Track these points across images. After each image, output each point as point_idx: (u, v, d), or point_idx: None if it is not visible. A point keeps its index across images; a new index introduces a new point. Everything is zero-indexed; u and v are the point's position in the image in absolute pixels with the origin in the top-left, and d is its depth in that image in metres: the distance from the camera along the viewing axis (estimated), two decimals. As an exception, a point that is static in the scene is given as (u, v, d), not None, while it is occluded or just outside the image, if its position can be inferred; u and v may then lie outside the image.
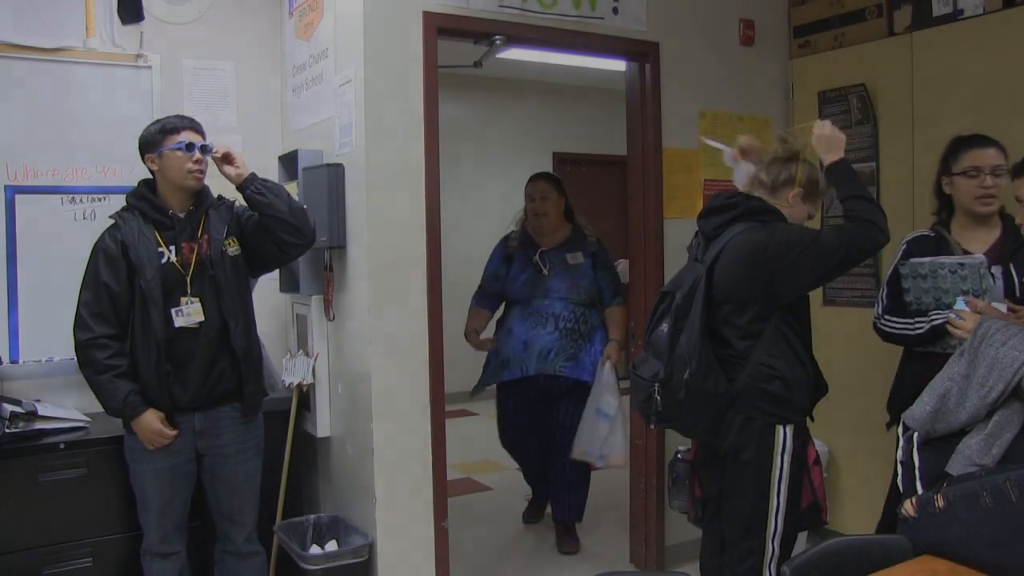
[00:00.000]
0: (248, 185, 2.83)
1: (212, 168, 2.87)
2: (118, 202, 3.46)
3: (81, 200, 3.47)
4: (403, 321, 3.23)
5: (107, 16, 3.50)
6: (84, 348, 2.73)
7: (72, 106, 3.46)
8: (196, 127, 2.85)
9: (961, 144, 2.84)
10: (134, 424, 2.74)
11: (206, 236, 2.85)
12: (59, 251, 3.39)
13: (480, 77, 5.69)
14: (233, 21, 3.81)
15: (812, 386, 2.68)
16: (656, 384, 2.57)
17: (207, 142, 2.84)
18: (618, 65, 4.07)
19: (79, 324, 2.74)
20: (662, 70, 3.84)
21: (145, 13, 3.48)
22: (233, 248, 2.90)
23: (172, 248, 2.80)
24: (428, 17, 3.25)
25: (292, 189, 3.53)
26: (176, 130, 2.80)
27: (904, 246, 2.90)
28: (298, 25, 3.72)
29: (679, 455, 2.95)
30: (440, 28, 3.29)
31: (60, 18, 3.43)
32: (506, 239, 4.33)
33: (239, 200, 2.97)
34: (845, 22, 3.97)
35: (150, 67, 3.59)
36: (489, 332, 4.42)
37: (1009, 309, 2.59)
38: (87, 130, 3.48)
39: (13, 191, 3.35)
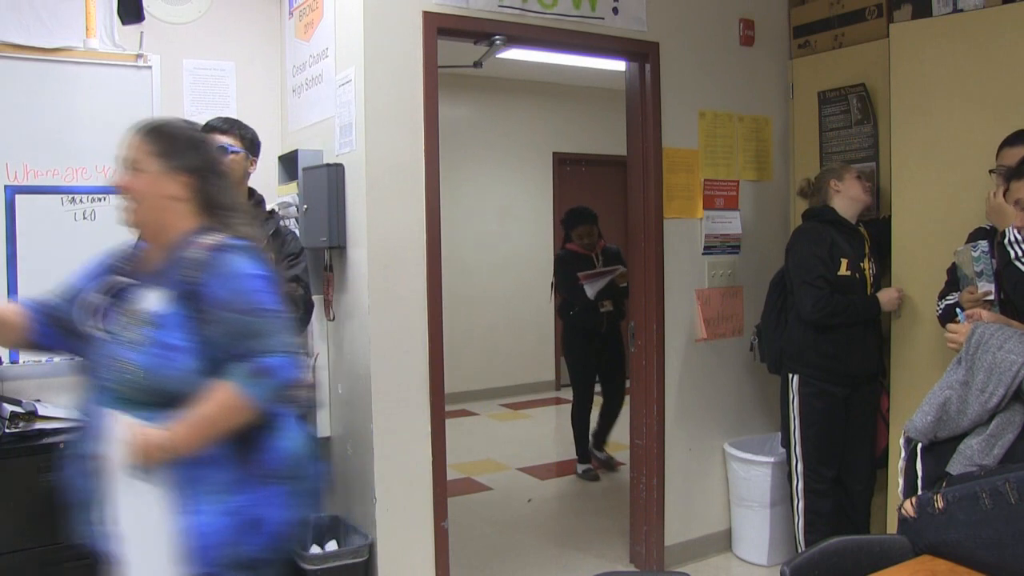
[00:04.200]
0: None
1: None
2: (118, 202, 3.48)
3: (81, 200, 3.47)
4: (403, 321, 3.23)
5: (107, 16, 3.49)
6: None
7: (72, 106, 3.45)
8: (222, 128, 2.89)
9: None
10: None
11: None
12: (59, 251, 3.38)
13: (480, 77, 5.68)
14: (233, 21, 3.81)
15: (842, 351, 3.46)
16: (756, 328, 3.93)
17: (229, 143, 2.86)
18: (618, 65, 4.07)
19: None
20: (662, 70, 3.84)
21: (145, 13, 3.47)
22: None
23: None
24: (428, 17, 3.25)
25: (292, 189, 3.53)
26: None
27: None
28: (298, 25, 3.72)
29: None
30: (440, 28, 3.29)
31: (60, 18, 3.42)
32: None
33: (287, 221, 2.97)
34: (845, 22, 3.97)
35: (150, 67, 3.58)
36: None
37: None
38: (87, 130, 3.47)
39: (13, 191, 3.34)
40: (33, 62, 3.36)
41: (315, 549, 3.26)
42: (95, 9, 3.48)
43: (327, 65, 3.44)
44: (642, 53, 3.81)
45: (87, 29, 3.48)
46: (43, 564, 2.95)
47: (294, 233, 3.10)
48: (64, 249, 3.37)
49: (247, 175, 2.95)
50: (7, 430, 2.99)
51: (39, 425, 3.06)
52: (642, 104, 3.86)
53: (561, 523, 4.78)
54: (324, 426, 3.52)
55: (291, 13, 3.80)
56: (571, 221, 5.56)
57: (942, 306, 3.02)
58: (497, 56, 4.35)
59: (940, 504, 1.98)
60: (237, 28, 3.82)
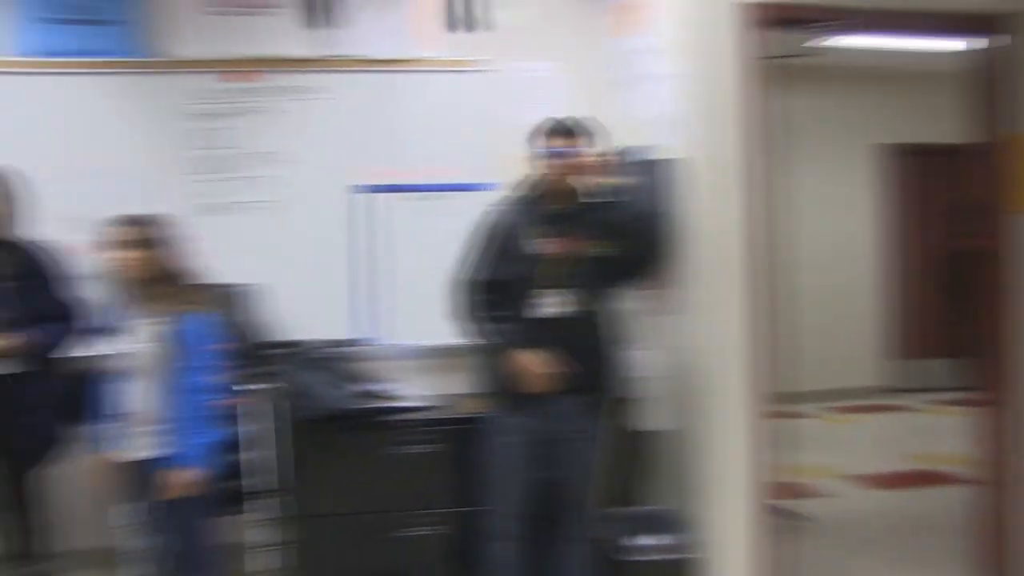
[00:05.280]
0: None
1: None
2: (458, 198, 3.81)
3: (428, 197, 3.85)
4: (737, 319, 3.18)
5: (446, 28, 3.85)
6: (464, 310, 3.02)
7: (419, 112, 3.85)
8: (564, 131, 2.97)
9: None
10: (507, 359, 2.90)
11: (574, 235, 2.95)
12: (412, 244, 3.80)
13: (803, 67, 5.46)
14: (558, 23, 3.98)
15: None
16: None
17: (567, 147, 2.95)
18: (952, 45, 3.70)
19: (458, 291, 3.02)
20: (1018, 45, 3.44)
21: (477, 22, 3.77)
22: (598, 249, 2.96)
23: (541, 241, 2.94)
24: (749, 9, 3.17)
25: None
26: (543, 135, 2.98)
27: None
28: (621, 22, 3.80)
29: None
30: (762, 19, 3.18)
31: (405, 32, 3.84)
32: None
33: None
34: None
35: (483, 71, 3.88)
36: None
37: None
38: (432, 134, 3.85)
39: (374, 190, 3.80)
40: (388, 74, 3.82)
41: (636, 540, 3.25)
42: (432, 22, 3.86)
43: (652, 61, 3.49)
44: (991, 28, 3.45)
45: (428, 41, 3.88)
46: (391, 527, 3.29)
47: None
48: (416, 243, 3.80)
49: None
50: (365, 406, 3.35)
51: (393, 403, 3.43)
52: (991, 85, 3.51)
53: (899, 537, 4.43)
54: (653, 419, 3.55)
55: (611, 11, 3.89)
56: None
57: None
58: (824, 43, 4.18)
59: None
60: (562, 29, 3.99)
